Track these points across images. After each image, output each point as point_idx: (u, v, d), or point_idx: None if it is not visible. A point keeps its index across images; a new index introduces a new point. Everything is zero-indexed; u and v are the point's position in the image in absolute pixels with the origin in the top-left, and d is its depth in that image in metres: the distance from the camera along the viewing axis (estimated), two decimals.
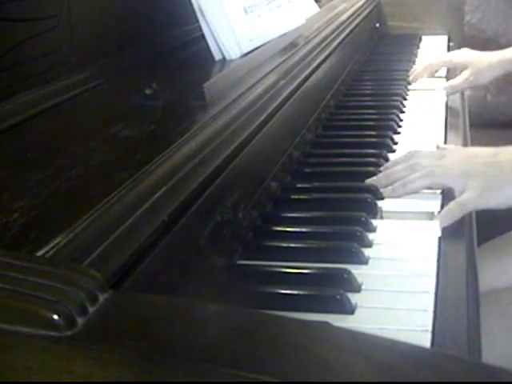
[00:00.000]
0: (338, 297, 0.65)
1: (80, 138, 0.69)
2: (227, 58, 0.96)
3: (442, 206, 0.88)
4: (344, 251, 0.75)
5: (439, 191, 0.91)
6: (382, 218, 0.87)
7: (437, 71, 1.59)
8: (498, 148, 0.92)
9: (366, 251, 0.76)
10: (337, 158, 1.05)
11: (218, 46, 0.96)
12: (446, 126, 1.25)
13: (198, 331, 0.39)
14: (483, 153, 0.93)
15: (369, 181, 0.95)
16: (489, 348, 0.67)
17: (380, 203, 0.89)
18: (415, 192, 0.90)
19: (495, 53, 1.49)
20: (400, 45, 1.92)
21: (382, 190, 0.92)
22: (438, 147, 1.07)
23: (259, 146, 0.82)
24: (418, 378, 0.35)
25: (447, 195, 0.90)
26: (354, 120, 1.25)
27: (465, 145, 1.18)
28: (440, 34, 1.99)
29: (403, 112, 1.31)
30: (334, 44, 1.33)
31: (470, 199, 0.86)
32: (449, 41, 1.95)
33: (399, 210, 0.88)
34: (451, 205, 0.86)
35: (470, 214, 0.89)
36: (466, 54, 1.52)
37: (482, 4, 2.19)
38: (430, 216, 0.87)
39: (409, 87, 1.50)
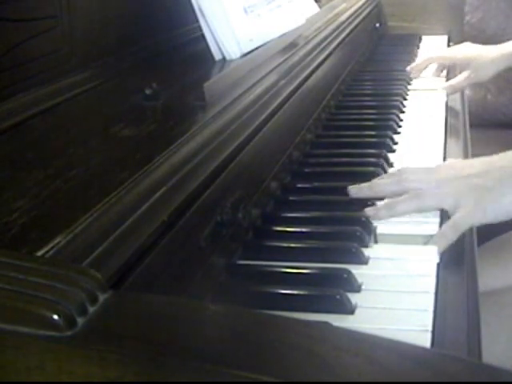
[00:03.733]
0: (338, 297, 0.65)
1: (80, 138, 0.69)
2: (227, 57, 0.96)
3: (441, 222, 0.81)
4: (344, 251, 0.75)
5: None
6: (376, 242, 0.79)
7: (442, 70, 1.59)
8: (493, 156, 0.83)
9: (366, 251, 0.76)
10: (337, 158, 1.05)
11: (218, 46, 0.96)
12: (445, 126, 1.25)
13: (198, 331, 0.39)
14: (476, 162, 0.84)
15: (350, 188, 0.87)
16: (489, 348, 0.67)
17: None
18: (400, 215, 0.81)
19: (496, 47, 1.48)
20: (400, 45, 1.92)
21: (365, 210, 0.82)
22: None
23: (259, 146, 0.82)
24: (417, 378, 0.35)
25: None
26: (354, 120, 1.25)
27: (465, 145, 1.18)
28: (440, 33, 1.99)
29: (403, 112, 1.31)
30: (334, 44, 1.33)
31: (465, 217, 0.78)
32: (449, 41, 1.95)
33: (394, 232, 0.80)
34: (444, 228, 0.78)
35: None
36: (466, 50, 1.52)
37: (482, 4, 2.19)
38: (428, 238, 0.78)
39: (409, 87, 1.50)
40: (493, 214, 0.78)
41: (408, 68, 1.57)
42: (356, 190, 0.87)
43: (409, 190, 0.82)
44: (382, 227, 0.81)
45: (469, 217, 0.78)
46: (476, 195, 0.78)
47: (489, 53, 1.47)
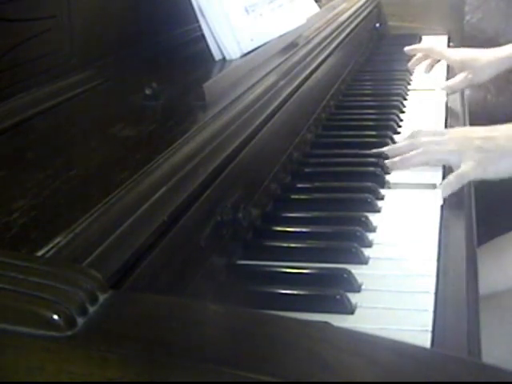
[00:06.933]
0: (338, 297, 0.65)
1: (80, 138, 0.69)
2: (227, 57, 0.96)
3: (444, 178, 0.94)
4: (344, 251, 0.75)
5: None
6: (389, 187, 0.95)
7: (432, 67, 1.60)
8: (495, 126, 0.97)
9: (366, 251, 0.76)
10: (337, 158, 1.05)
11: (218, 45, 0.96)
12: (445, 127, 1.25)
13: (198, 331, 0.39)
14: (481, 129, 0.97)
15: (374, 151, 1.03)
16: (488, 349, 0.67)
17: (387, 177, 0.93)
18: (413, 167, 0.98)
19: (492, 50, 1.48)
20: (400, 45, 1.91)
21: (385, 162, 0.99)
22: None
23: (259, 146, 0.82)
24: (418, 378, 0.35)
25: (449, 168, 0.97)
26: (354, 120, 1.25)
27: None
28: (440, 33, 1.99)
29: (403, 112, 1.31)
30: (334, 44, 1.33)
31: (468, 170, 0.90)
32: (449, 41, 1.95)
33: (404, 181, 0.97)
34: (450, 177, 0.91)
35: (470, 213, 0.89)
36: (463, 53, 1.52)
37: (482, 4, 2.19)
38: (433, 187, 0.94)
39: (409, 87, 1.50)
40: (492, 173, 0.92)
41: (409, 64, 1.58)
42: (389, 163, 1.00)
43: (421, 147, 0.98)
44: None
45: (471, 172, 0.91)
46: (478, 155, 0.92)
47: (486, 55, 1.47)
